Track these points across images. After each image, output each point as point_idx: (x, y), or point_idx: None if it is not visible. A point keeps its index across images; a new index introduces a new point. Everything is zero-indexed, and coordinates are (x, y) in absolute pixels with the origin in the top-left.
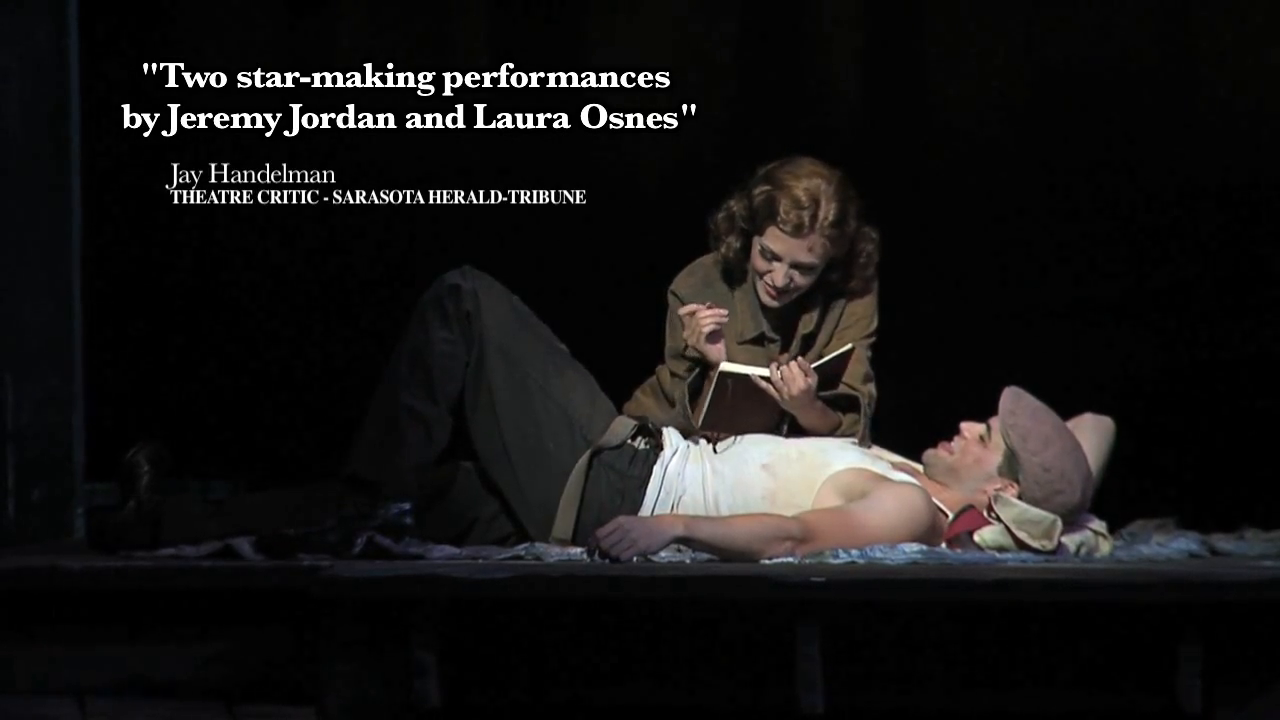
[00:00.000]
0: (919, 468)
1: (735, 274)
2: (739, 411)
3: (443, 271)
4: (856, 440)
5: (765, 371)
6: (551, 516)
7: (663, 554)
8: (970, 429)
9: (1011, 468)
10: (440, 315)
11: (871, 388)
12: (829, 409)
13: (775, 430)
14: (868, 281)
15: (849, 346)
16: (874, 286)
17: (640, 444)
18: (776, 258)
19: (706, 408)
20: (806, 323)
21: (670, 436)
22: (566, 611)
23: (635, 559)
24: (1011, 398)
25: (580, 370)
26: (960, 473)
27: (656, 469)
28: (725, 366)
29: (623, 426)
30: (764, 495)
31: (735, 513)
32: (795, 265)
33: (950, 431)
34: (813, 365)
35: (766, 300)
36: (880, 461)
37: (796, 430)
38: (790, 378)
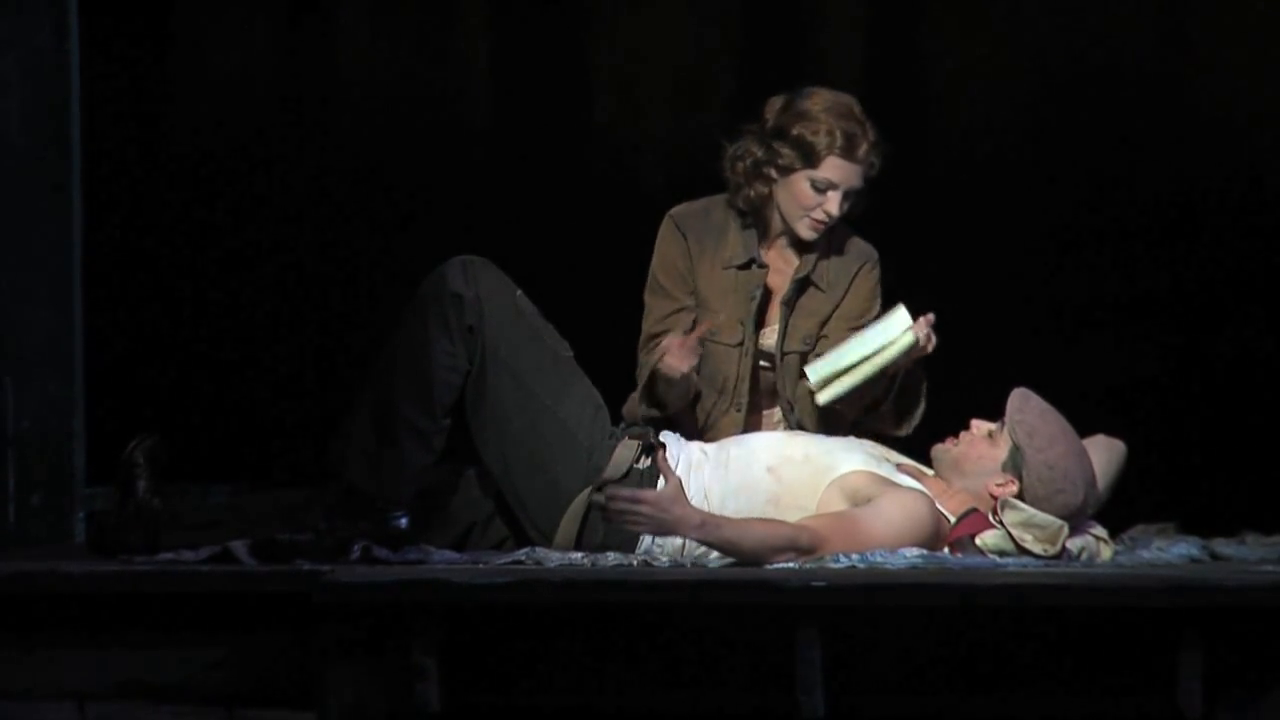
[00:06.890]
0: (926, 471)
1: (741, 211)
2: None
3: None
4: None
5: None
6: (553, 531)
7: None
8: (979, 425)
9: (1015, 464)
10: (441, 325)
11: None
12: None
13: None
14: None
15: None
16: (876, 272)
17: (644, 464)
18: (832, 186)
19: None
20: (803, 266)
21: (672, 447)
22: (567, 616)
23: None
24: (1020, 397)
25: (582, 380)
26: (964, 466)
27: (660, 483)
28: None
29: (627, 451)
30: (769, 499)
31: (739, 516)
32: (848, 191)
33: (956, 431)
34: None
35: (808, 235)
36: (886, 463)
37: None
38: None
